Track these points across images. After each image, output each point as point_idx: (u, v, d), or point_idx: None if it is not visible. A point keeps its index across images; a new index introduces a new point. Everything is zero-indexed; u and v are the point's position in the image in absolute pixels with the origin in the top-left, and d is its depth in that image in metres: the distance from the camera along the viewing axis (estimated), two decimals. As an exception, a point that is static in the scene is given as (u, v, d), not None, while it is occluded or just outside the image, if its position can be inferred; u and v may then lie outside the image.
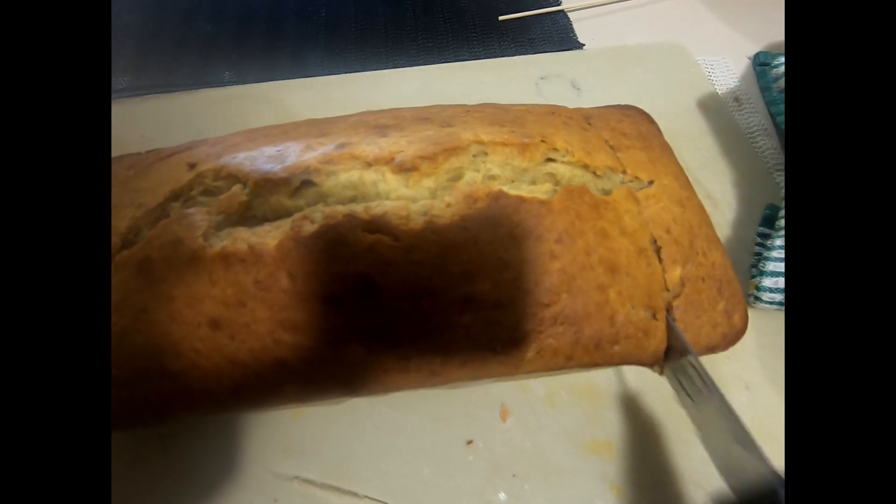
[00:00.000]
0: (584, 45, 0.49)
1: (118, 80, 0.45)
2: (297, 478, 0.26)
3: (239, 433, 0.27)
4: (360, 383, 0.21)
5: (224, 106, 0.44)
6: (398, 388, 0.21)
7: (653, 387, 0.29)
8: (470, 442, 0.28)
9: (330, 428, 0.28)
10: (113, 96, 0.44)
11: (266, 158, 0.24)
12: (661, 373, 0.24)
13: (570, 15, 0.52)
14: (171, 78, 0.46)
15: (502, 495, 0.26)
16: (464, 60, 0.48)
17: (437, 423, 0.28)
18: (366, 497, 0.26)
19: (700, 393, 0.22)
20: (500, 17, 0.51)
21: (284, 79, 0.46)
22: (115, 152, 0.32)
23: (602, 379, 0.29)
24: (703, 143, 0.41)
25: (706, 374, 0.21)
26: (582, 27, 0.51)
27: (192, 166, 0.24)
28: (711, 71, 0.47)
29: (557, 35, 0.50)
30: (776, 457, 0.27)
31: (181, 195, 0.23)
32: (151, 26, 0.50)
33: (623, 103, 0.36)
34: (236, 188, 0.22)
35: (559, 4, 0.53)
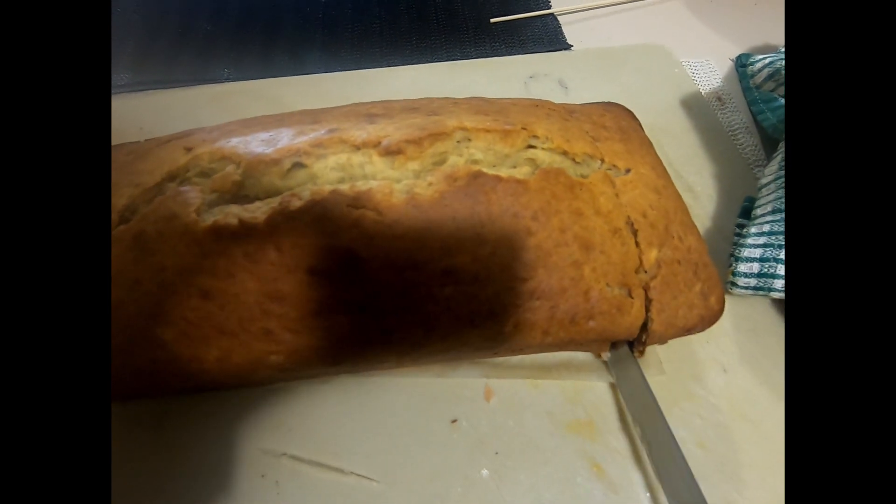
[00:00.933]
0: (572, 46, 0.51)
1: (119, 76, 0.47)
2: (285, 454, 0.27)
3: (231, 411, 0.28)
4: (344, 355, 0.21)
5: (222, 101, 0.45)
6: (382, 361, 0.22)
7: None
8: (454, 421, 0.28)
9: (319, 406, 0.28)
10: (113, 92, 0.45)
11: (259, 142, 0.25)
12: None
13: (559, 18, 0.53)
14: (171, 74, 0.47)
15: (485, 472, 0.27)
16: (455, 60, 0.49)
17: (423, 402, 0.29)
18: (351, 473, 0.27)
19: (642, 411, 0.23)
20: (492, 20, 0.53)
21: (282, 76, 0.47)
22: (114, 145, 0.33)
23: (584, 361, 0.30)
24: (685, 140, 0.42)
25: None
26: (571, 29, 0.52)
27: (188, 150, 0.26)
28: (695, 72, 0.48)
29: (547, 37, 0.52)
30: (752, 437, 0.28)
31: (177, 176, 0.24)
32: (152, 24, 0.51)
33: (608, 100, 0.37)
34: (230, 168, 0.23)
35: (549, 7, 0.54)
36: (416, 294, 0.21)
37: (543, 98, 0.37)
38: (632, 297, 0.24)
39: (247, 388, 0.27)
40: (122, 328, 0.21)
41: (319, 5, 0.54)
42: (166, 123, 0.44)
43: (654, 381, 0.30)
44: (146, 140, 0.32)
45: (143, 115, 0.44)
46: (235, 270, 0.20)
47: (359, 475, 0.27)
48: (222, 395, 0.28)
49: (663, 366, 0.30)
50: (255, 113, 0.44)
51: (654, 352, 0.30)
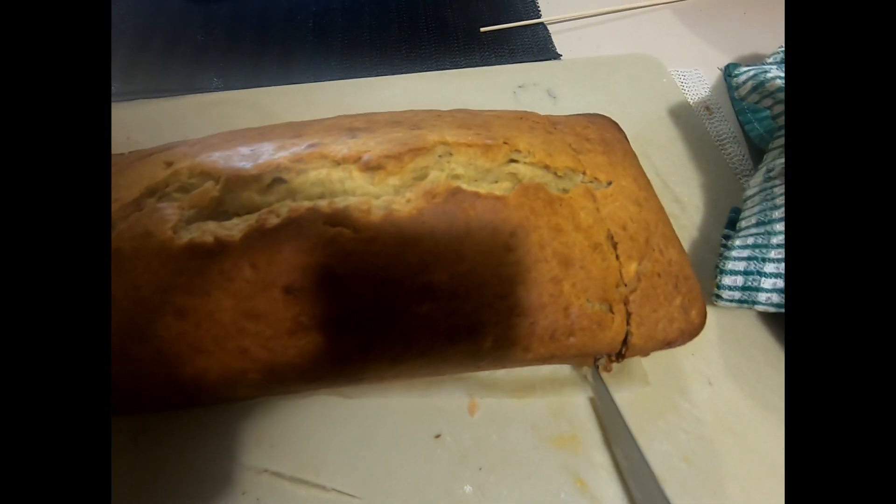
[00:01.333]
0: (561, 55, 0.51)
1: (108, 86, 0.46)
2: (266, 471, 0.27)
3: (210, 427, 0.28)
4: (322, 372, 0.21)
5: (211, 111, 0.45)
6: (361, 378, 0.22)
7: (616, 383, 0.29)
8: (438, 436, 0.28)
9: (299, 421, 0.28)
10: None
11: (240, 157, 0.25)
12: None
13: (549, 27, 0.54)
14: (160, 83, 0.47)
15: (468, 488, 0.27)
16: (445, 69, 0.49)
17: (406, 417, 0.28)
18: (333, 490, 0.26)
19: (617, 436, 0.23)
20: (482, 29, 0.53)
21: (271, 85, 0.47)
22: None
23: (568, 376, 0.30)
24: (673, 150, 0.42)
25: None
26: (560, 39, 0.53)
27: (168, 164, 0.25)
28: (683, 81, 0.49)
29: (537, 46, 0.52)
30: (737, 451, 0.28)
31: (156, 191, 0.24)
32: (142, 33, 0.51)
33: (597, 111, 0.37)
34: (208, 184, 0.23)
35: (539, 17, 0.54)
36: (393, 310, 0.21)
37: (532, 108, 0.37)
38: (612, 313, 0.23)
39: (225, 403, 0.27)
40: (96, 346, 0.20)
41: (310, 14, 0.54)
42: (154, 133, 0.44)
43: (639, 393, 0.29)
44: (129, 152, 0.32)
45: (130, 124, 0.44)
46: (211, 288, 0.20)
47: (340, 491, 0.26)
48: (201, 411, 0.28)
49: (648, 377, 0.30)
50: (243, 123, 0.44)
51: (639, 363, 0.30)
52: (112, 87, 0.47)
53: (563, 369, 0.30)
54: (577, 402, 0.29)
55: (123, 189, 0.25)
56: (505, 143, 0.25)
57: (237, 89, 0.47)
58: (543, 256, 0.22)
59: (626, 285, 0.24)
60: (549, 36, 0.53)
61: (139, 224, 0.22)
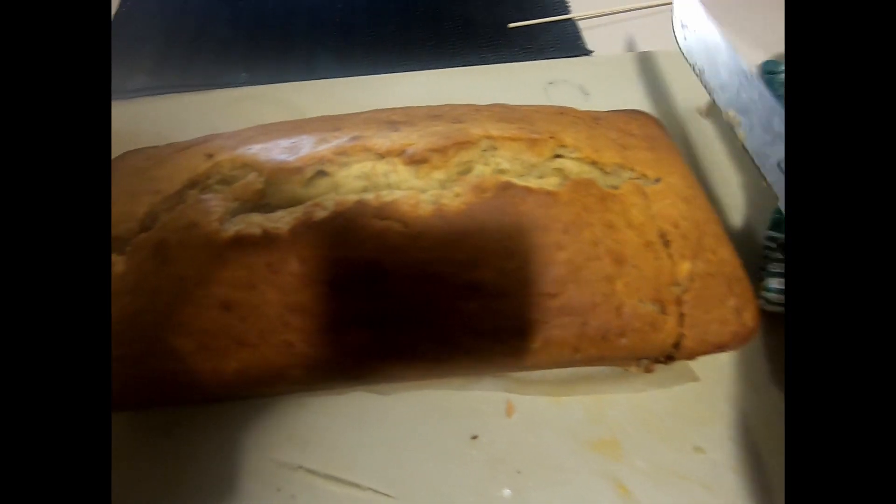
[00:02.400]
0: (592, 51, 0.50)
1: (136, 80, 0.47)
2: (300, 467, 0.26)
3: (243, 420, 0.27)
4: (365, 369, 0.21)
5: (238, 105, 0.45)
6: (403, 376, 0.21)
7: (662, 386, 0.28)
8: (475, 437, 0.27)
9: (334, 418, 0.28)
10: (130, 96, 0.45)
11: (281, 149, 0.25)
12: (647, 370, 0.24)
13: (579, 23, 0.53)
14: (188, 78, 0.48)
15: (507, 491, 0.26)
16: (472, 66, 0.48)
17: (442, 417, 0.28)
18: (369, 489, 0.26)
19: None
20: (510, 25, 0.52)
21: (297, 80, 0.47)
22: (132, 147, 0.33)
23: (608, 374, 0.29)
24: (711, 149, 0.41)
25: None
26: (591, 35, 0.51)
27: (209, 156, 0.25)
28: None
29: (566, 42, 0.51)
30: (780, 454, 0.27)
31: (198, 183, 0.24)
32: (171, 29, 0.51)
33: (630, 108, 0.36)
34: (252, 176, 0.23)
35: (568, 12, 0.53)
36: (439, 308, 0.20)
37: (564, 105, 0.36)
38: (665, 314, 0.23)
39: (261, 398, 0.27)
40: (139, 337, 0.20)
41: (335, 10, 0.54)
42: (183, 128, 0.44)
43: (682, 399, 0.28)
44: (165, 145, 0.32)
45: (160, 118, 0.44)
46: (257, 281, 0.20)
47: (376, 490, 0.26)
48: (233, 404, 0.27)
49: (696, 373, 0.29)
50: (270, 118, 0.44)
51: (686, 364, 0.29)
52: (140, 82, 0.47)
53: (603, 372, 0.29)
54: (618, 404, 0.28)
55: (164, 181, 0.24)
56: (551, 137, 0.25)
57: (264, 84, 0.47)
58: (596, 254, 0.21)
59: (678, 285, 0.23)
60: (579, 32, 0.52)
61: (184, 215, 0.21)
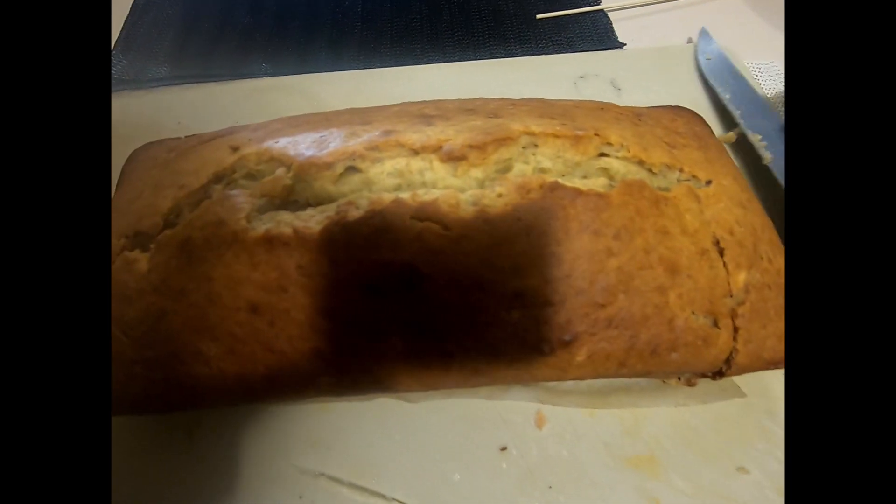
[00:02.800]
0: (624, 44, 0.48)
1: (157, 70, 0.46)
2: (323, 475, 0.26)
3: (265, 425, 0.26)
4: (398, 379, 0.20)
5: (260, 96, 0.44)
6: (438, 387, 0.20)
7: (704, 401, 0.27)
8: (503, 448, 0.26)
9: (357, 424, 0.27)
10: (152, 85, 0.45)
11: (309, 143, 0.23)
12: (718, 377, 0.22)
13: (610, 14, 0.50)
14: (209, 68, 0.47)
15: (537, 507, 0.25)
16: (500, 58, 0.47)
17: (470, 426, 0.27)
18: (394, 500, 0.25)
19: None
20: (538, 16, 0.50)
21: (320, 71, 0.46)
22: (152, 139, 0.32)
23: (645, 387, 0.27)
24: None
25: None
26: (622, 27, 0.49)
27: (234, 149, 0.24)
28: (759, 74, 0.45)
29: (597, 34, 0.49)
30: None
31: (224, 177, 0.23)
32: (191, 18, 0.50)
33: (667, 105, 0.34)
34: (280, 171, 0.22)
35: (599, 3, 0.51)
36: (481, 317, 0.19)
37: (596, 100, 0.34)
38: (718, 327, 0.21)
39: (286, 403, 0.26)
40: (164, 340, 0.19)
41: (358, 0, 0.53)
42: (204, 118, 0.43)
43: (724, 415, 0.27)
44: (187, 136, 0.31)
45: (181, 108, 0.43)
46: (288, 284, 0.19)
47: (400, 502, 0.25)
48: (257, 407, 0.27)
49: (741, 388, 0.27)
50: (292, 109, 0.43)
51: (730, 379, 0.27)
52: (161, 71, 0.46)
53: (640, 383, 0.27)
54: (656, 418, 0.27)
55: (189, 175, 0.23)
56: (596, 134, 0.23)
57: (285, 75, 0.46)
58: (648, 263, 0.20)
59: (733, 297, 0.21)
60: (611, 24, 0.49)
61: (210, 212, 0.20)
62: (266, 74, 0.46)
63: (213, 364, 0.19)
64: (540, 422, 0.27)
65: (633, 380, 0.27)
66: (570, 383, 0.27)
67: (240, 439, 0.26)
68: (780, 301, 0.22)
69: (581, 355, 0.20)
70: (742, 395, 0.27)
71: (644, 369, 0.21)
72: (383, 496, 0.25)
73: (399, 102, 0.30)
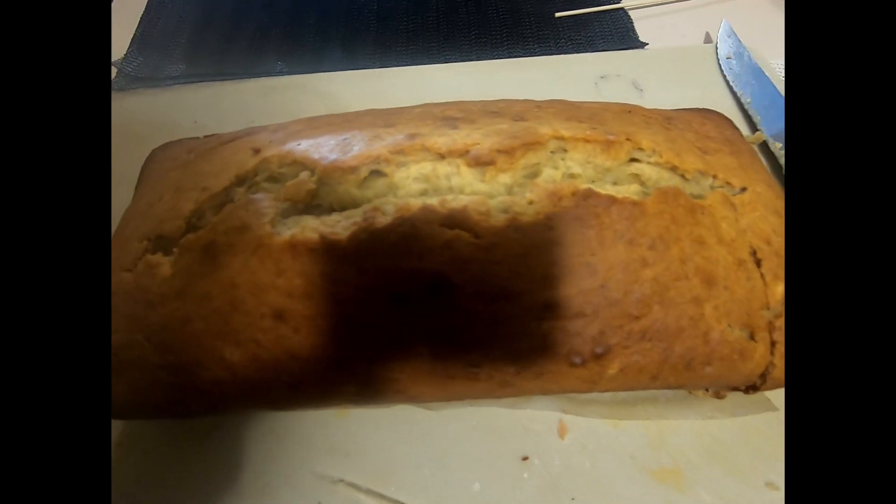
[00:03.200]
0: (646, 44, 0.46)
1: (173, 68, 0.46)
2: (342, 481, 0.25)
3: (282, 429, 0.26)
4: (422, 389, 0.19)
5: (275, 95, 0.44)
6: (463, 397, 0.20)
7: (733, 414, 0.26)
8: (525, 458, 0.26)
9: (376, 431, 0.26)
10: (166, 84, 0.44)
11: (332, 146, 0.23)
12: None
13: (631, 13, 0.49)
14: (225, 66, 0.46)
15: (559, 519, 0.24)
16: (518, 57, 0.46)
17: (490, 434, 0.26)
18: (413, 508, 0.25)
19: None
20: (557, 14, 0.49)
21: (335, 70, 0.45)
22: (168, 137, 0.32)
23: (671, 398, 0.27)
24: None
25: None
26: (644, 26, 0.48)
27: (256, 151, 0.24)
28: (784, 72, 0.44)
29: (617, 34, 0.48)
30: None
31: (246, 180, 0.23)
32: (206, 16, 0.50)
33: (690, 106, 0.33)
34: (304, 175, 0.21)
35: (619, 2, 0.50)
36: (509, 328, 0.18)
37: (617, 101, 0.33)
38: (755, 340, 0.20)
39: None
40: (188, 346, 0.19)
41: (374, -2, 0.52)
42: (219, 116, 0.43)
43: (761, 418, 0.26)
44: (206, 137, 0.31)
45: (196, 107, 0.43)
46: (313, 291, 0.18)
47: (420, 511, 0.25)
48: (277, 413, 0.26)
49: (772, 402, 0.26)
50: (307, 108, 0.42)
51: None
52: (177, 70, 0.46)
53: (666, 394, 0.27)
54: (682, 430, 0.26)
55: (210, 177, 0.23)
56: (627, 139, 0.22)
57: (300, 74, 0.45)
58: (684, 273, 0.19)
59: (770, 309, 0.21)
60: (632, 23, 0.48)
61: (234, 216, 0.20)
62: (281, 73, 0.45)
63: (236, 370, 0.19)
64: (562, 431, 0.26)
65: (660, 390, 0.27)
66: (593, 393, 0.27)
67: (259, 443, 0.26)
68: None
69: (613, 368, 0.19)
70: (773, 408, 0.26)
71: (677, 382, 0.20)
72: (402, 504, 0.25)
73: (418, 104, 0.30)
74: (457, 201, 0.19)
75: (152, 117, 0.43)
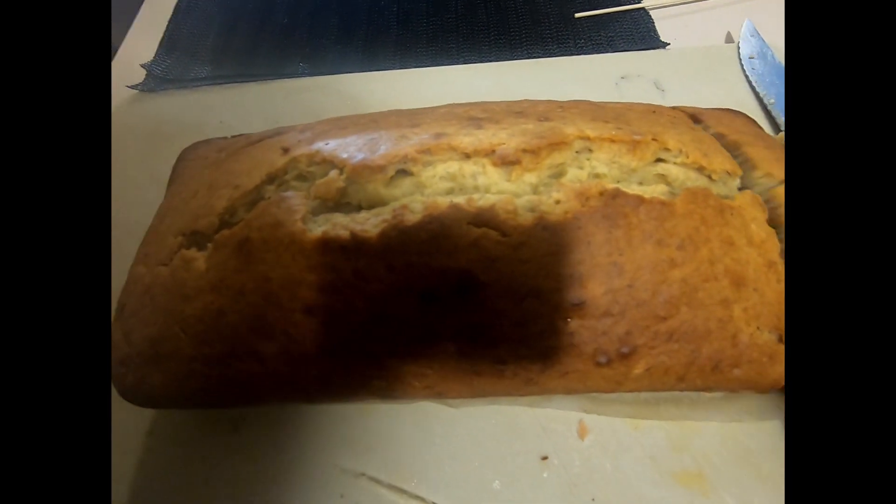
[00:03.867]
0: (667, 44, 0.46)
1: (200, 70, 0.47)
2: (364, 475, 0.26)
3: (307, 423, 0.27)
4: (449, 385, 0.19)
5: (298, 96, 0.45)
6: (489, 394, 0.20)
7: (759, 418, 0.26)
8: (545, 458, 0.26)
9: (397, 426, 0.27)
10: (194, 85, 0.46)
11: (359, 146, 0.23)
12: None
13: (651, 13, 0.49)
14: (249, 68, 0.47)
15: (580, 520, 0.24)
16: (538, 58, 0.46)
17: (510, 433, 0.26)
18: (433, 503, 0.25)
19: None
20: (577, 14, 0.49)
21: (356, 71, 0.46)
22: (196, 137, 0.33)
23: (695, 399, 0.26)
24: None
25: None
26: (665, 25, 0.48)
27: (285, 150, 0.24)
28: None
29: (638, 34, 0.47)
30: None
31: (276, 178, 0.23)
32: (232, 19, 0.51)
33: (713, 107, 0.33)
34: (333, 174, 0.22)
35: (640, 1, 0.50)
36: (536, 326, 0.19)
37: (639, 101, 0.33)
38: (783, 343, 0.20)
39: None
40: (222, 338, 0.20)
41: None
42: (245, 117, 0.44)
43: (772, 425, 0.26)
44: (234, 136, 0.32)
45: (223, 108, 0.44)
46: (343, 287, 0.19)
47: (440, 506, 0.25)
48: (300, 405, 0.27)
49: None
50: (330, 109, 0.43)
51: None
52: (203, 72, 0.47)
53: (689, 396, 0.26)
54: (706, 432, 0.26)
55: (242, 175, 0.24)
56: (653, 139, 0.22)
57: (323, 75, 0.46)
58: (713, 274, 0.19)
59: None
60: (653, 22, 0.48)
61: (268, 213, 0.20)
62: (303, 74, 0.46)
63: (268, 363, 0.19)
64: (583, 432, 0.26)
65: (683, 392, 0.26)
66: (616, 393, 0.27)
67: (284, 436, 0.26)
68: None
69: (639, 368, 0.19)
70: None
71: (704, 384, 0.20)
72: (423, 499, 0.25)
73: (443, 104, 0.30)
74: (484, 200, 0.19)
75: (181, 117, 0.45)
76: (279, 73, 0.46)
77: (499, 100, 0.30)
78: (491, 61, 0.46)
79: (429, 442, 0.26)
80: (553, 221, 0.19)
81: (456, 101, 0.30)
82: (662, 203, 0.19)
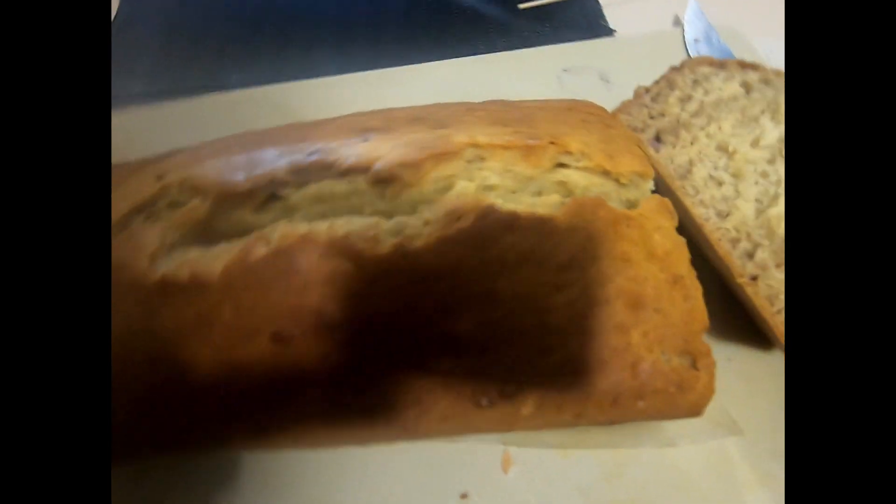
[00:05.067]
0: (615, 31, 0.43)
1: (131, 86, 0.45)
2: (270, 523, 0.24)
3: (209, 471, 0.25)
4: (317, 436, 0.17)
5: (231, 111, 0.43)
6: (361, 443, 0.18)
7: (696, 441, 0.23)
8: (464, 496, 0.24)
9: (308, 469, 0.24)
10: (127, 102, 0.44)
11: (233, 168, 0.21)
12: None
13: (599, -1, 0.46)
14: (184, 82, 0.46)
15: (501, 564, 0.22)
16: (481, 54, 0.44)
17: (428, 470, 0.24)
18: (344, 553, 0.23)
19: None
20: (520, 5, 0.47)
21: (295, 79, 0.44)
22: (118, 161, 0.31)
23: (629, 428, 0.24)
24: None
25: None
26: (613, 12, 0.45)
27: (159, 177, 0.22)
28: (771, 54, 0.40)
29: (585, 21, 0.45)
30: None
31: (144, 209, 0.21)
32: (168, 33, 0.49)
33: None
34: (195, 202, 0.20)
35: (588, -13, 0.47)
36: (404, 367, 0.16)
37: (581, 96, 0.31)
38: (696, 369, 0.18)
39: (222, 450, 0.24)
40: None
41: (332, 1, 0.50)
42: (177, 136, 0.42)
43: (729, 443, 0.23)
44: (134, 161, 0.30)
45: (153, 127, 0.42)
46: (187, 334, 0.17)
47: (352, 554, 0.23)
48: (197, 459, 0.25)
49: (739, 424, 0.24)
50: (264, 121, 0.41)
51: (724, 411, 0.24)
52: (136, 87, 0.45)
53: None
54: (641, 460, 0.24)
55: (113, 207, 0.22)
56: (551, 142, 0.20)
57: (261, 84, 0.44)
58: (605, 297, 0.17)
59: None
60: (600, 9, 0.45)
61: (116, 252, 0.18)
62: (238, 85, 0.44)
63: (118, 415, 0.17)
64: (506, 464, 0.24)
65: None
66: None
67: (184, 485, 0.24)
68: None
69: (528, 408, 0.17)
70: (739, 432, 0.23)
71: (607, 419, 0.18)
72: (332, 549, 0.23)
73: (350, 113, 0.28)
74: (344, 227, 0.17)
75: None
76: (213, 86, 0.44)
77: (439, 100, 0.28)
78: (434, 60, 0.44)
79: (340, 483, 0.24)
80: (414, 249, 0.16)
81: (394, 105, 0.28)
82: (541, 219, 0.17)
